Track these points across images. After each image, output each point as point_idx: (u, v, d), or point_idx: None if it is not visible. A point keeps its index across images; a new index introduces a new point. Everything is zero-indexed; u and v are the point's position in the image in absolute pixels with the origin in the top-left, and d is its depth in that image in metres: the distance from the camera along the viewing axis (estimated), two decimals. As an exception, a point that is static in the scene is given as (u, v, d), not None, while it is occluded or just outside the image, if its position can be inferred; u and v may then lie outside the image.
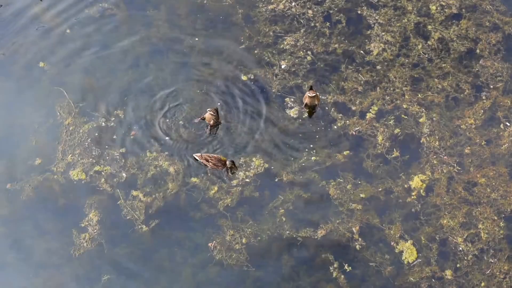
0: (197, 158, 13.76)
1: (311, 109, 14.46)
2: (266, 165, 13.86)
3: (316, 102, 14.34)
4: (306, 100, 14.30)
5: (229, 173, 13.67)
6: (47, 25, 15.73)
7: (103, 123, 14.39)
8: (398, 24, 15.57)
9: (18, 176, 13.78)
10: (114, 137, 14.24)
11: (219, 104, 14.49)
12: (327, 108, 14.55)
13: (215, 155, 13.75)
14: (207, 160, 13.67)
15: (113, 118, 14.45)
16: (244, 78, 14.98)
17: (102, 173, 13.77)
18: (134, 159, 13.98)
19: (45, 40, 15.53)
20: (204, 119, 14.18)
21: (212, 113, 13.98)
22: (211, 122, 14.11)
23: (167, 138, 14.24)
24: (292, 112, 14.54)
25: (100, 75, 15.08)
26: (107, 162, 13.89)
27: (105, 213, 13.39)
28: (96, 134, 14.25)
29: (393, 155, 13.94)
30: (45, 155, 14.00)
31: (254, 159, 13.92)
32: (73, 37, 15.60)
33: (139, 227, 13.20)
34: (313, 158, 13.93)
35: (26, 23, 15.77)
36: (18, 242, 13.23)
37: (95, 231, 13.17)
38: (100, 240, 13.10)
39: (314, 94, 14.13)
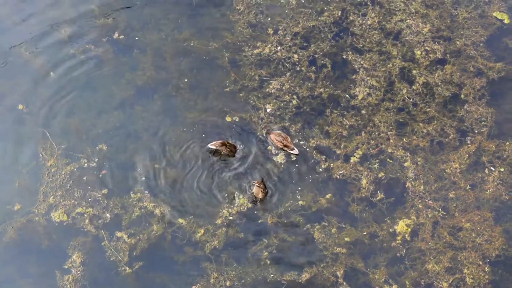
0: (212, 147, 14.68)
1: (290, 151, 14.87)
2: (249, 205, 14.25)
3: (287, 148, 14.83)
4: (280, 145, 14.85)
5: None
6: (30, 66, 16.03)
7: (86, 165, 14.68)
8: (383, 69, 15.95)
9: (0, 218, 14.03)
10: (96, 178, 14.55)
11: (203, 135, 15.06)
12: (309, 150, 14.90)
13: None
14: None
15: (96, 159, 14.74)
16: (228, 119, 15.31)
17: (85, 214, 14.05)
18: (118, 199, 14.25)
19: (29, 82, 15.79)
20: (252, 193, 14.43)
21: (258, 185, 14.17)
22: (260, 196, 14.28)
23: (143, 178, 14.62)
24: (279, 158, 14.91)
25: (84, 117, 15.31)
26: (89, 204, 14.17)
27: (88, 254, 13.62)
28: (78, 175, 14.55)
29: (377, 198, 14.30)
30: (28, 197, 14.25)
31: (241, 196, 14.36)
32: (57, 79, 15.84)
33: (123, 268, 13.44)
34: (300, 202, 14.29)
35: (10, 65, 16.08)
36: (2, 284, 13.43)
37: (78, 272, 13.42)
38: (83, 281, 13.36)
39: (296, 153, 14.73)
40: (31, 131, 15.20)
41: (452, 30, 16.71)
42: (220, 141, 14.81)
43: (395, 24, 16.75)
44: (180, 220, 14.10)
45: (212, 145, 14.81)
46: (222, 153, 14.81)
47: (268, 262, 13.67)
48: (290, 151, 14.82)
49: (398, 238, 13.95)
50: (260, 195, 14.24)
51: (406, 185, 14.55)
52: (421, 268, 13.62)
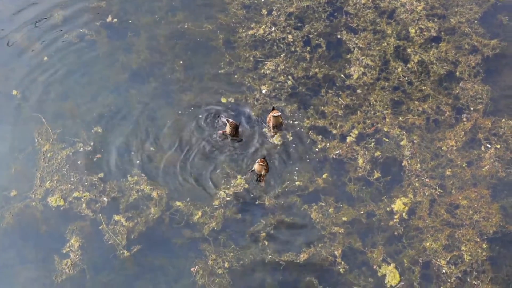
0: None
1: (277, 129, 14.95)
2: (246, 186, 14.32)
3: (281, 120, 14.85)
4: (272, 121, 14.79)
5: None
6: (24, 51, 16.10)
7: (81, 149, 14.73)
8: (377, 48, 16.02)
9: (-3, 203, 14.12)
10: (92, 162, 14.60)
11: (200, 116, 15.18)
12: (304, 131, 14.98)
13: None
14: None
15: (92, 143, 14.79)
16: (223, 100, 15.39)
17: (82, 199, 14.11)
18: (115, 183, 14.30)
19: (23, 67, 15.85)
20: (253, 170, 14.48)
21: (261, 163, 14.21)
22: (263, 172, 14.33)
23: (138, 161, 14.64)
24: (276, 139, 14.95)
25: (79, 101, 15.36)
26: (86, 188, 14.22)
27: (87, 238, 13.68)
28: (74, 159, 14.60)
29: (374, 177, 14.35)
30: (24, 183, 14.31)
31: (238, 176, 14.43)
32: (51, 64, 15.90)
33: (121, 252, 13.50)
34: (297, 183, 14.32)
35: (3, 50, 16.16)
36: (0, 270, 13.52)
37: (77, 256, 13.49)
38: (82, 265, 13.40)
39: (278, 114, 14.66)
40: (26, 116, 15.25)
41: (447, 8, 16.78)
42: (234, 122, 14.83)
43: (389, 3, 16.83)
44: (178, 203, 14.15)
45: (225, 119, 14.85)
46: (226, 130, 14.83)
47: (266, 243, 13.72)
48: (274, 114, 14.76)
49: (396, 216, 14.00)
50: (263, 172, 14.31)
51: (403, 164, 14.60)
52: (418, 246, 13.67)
